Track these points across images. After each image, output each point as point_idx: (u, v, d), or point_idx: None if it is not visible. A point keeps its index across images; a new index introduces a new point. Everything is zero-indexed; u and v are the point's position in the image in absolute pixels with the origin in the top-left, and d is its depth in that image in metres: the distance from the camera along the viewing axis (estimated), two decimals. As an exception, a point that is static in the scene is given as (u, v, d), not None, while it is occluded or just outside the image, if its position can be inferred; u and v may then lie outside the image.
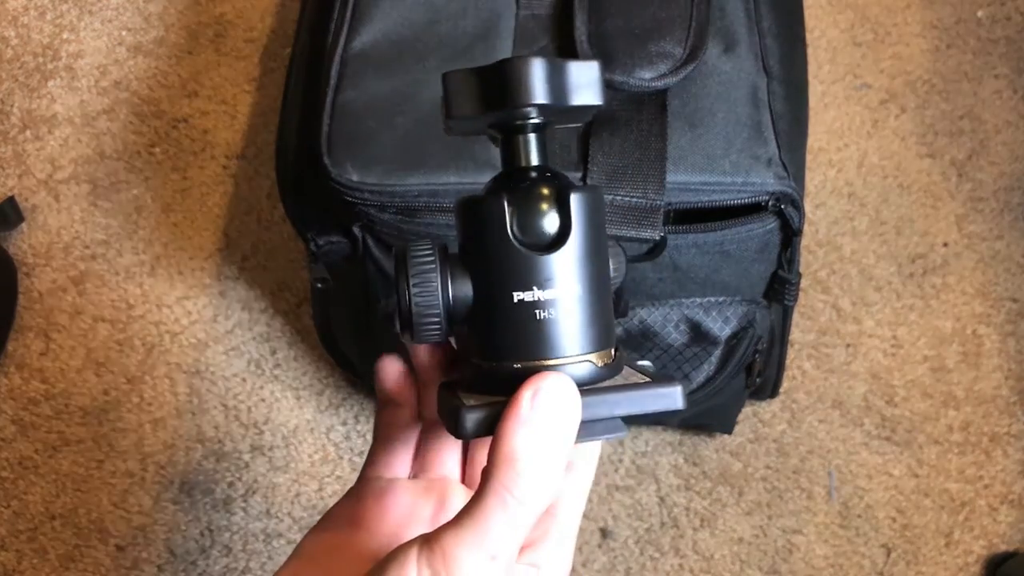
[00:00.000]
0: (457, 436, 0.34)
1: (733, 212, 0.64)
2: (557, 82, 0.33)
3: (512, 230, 0.34)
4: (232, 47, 1.01)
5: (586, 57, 0.65)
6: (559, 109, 0.34)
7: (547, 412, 0.32)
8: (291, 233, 0.92)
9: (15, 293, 0.89)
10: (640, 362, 0.38)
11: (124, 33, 1.01)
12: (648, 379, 0.35)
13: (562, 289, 0.34)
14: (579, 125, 0.64)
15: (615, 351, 0.36)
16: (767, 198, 0.64)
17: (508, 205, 0.34)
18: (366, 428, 0.86)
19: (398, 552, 0.33)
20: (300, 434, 0.86)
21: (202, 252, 0.92)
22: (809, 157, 0.90)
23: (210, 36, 1.02)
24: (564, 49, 0.67)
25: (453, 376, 0.39)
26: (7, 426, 0.85)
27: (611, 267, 0.37)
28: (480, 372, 0.35)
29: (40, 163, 0.95)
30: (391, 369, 0.42)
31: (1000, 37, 1.04)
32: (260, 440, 0.85)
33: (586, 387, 0.34)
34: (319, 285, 0.72)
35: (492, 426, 0.33)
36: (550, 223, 0.34)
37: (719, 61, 0.67)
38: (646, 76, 0.64)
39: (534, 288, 0.34)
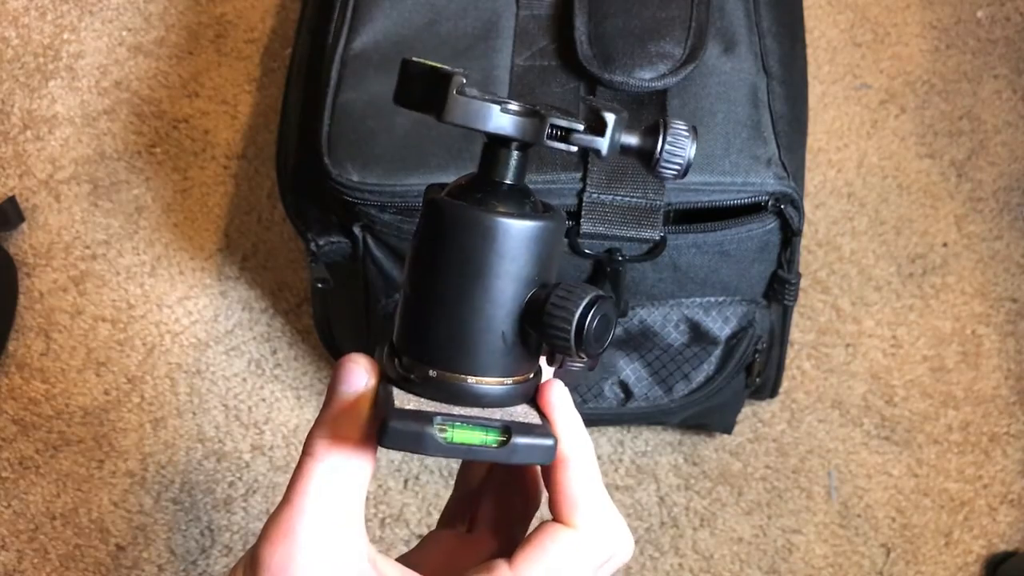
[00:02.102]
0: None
1: (733, 212, 0.64)
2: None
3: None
4: (233, 47, 1.01)
5: (586, 58, 0.65)
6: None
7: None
8: (291, 233, 0.92)
9: (15, 293, 0.89)
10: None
11: (125, 33, 1.02)
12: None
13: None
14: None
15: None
16: (767, 198, 0.64)
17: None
18: (366, 428, 0.86)
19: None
20: (300, 434, 0.86)
21: (203, 252, 0.92)
22: (809, 157, 0.90)
23: (211, 36, 1.02)
24: (564, 49, 0.67)
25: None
26: (8, 426, 0.85)
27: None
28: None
29: (41, 163, 0.95)
30: None
31: (1000, 37, 1.04)
32: (260, 440, 0.85)
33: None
34: (319, 285, 0.72)
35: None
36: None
37: (719, 61, 0.67)
38: (646, 76, 0.64)
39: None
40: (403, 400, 0.34)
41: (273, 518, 0.33)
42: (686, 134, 0.36)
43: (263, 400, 0.87)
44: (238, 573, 0.33)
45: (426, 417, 0.32)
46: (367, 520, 0.74)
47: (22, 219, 0.92)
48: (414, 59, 0.34)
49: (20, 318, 0.89)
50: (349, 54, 0.68)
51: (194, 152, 0.96)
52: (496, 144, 0.35)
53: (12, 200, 0.92)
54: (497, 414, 0.34)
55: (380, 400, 0.34)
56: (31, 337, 0.88)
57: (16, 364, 0.87)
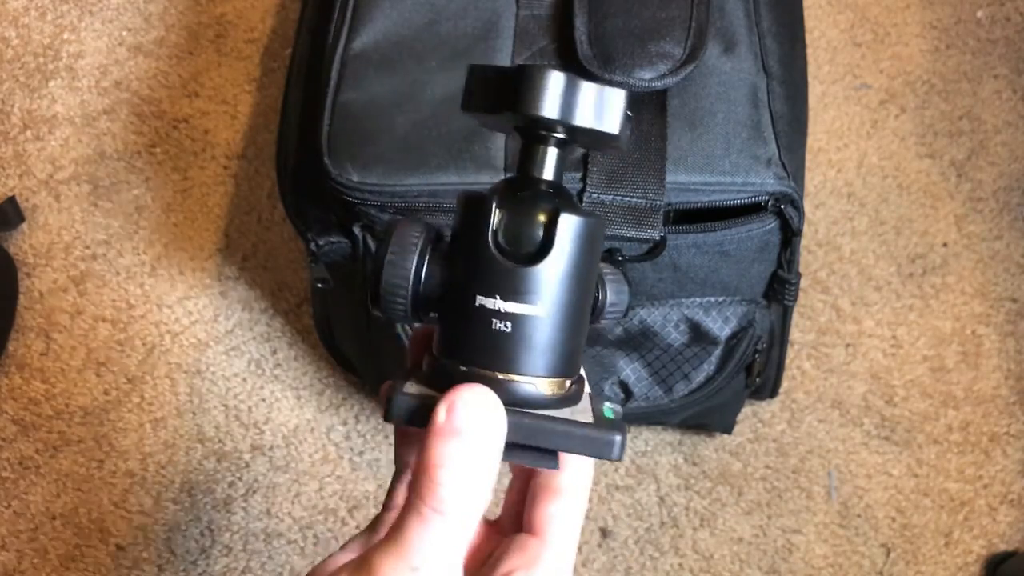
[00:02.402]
0: (384, 418, 0.34)
1: (733, 212, 0.64)
2: (571, 99, 0.33)
3: (494, 233, 0.33)
4: (233, 47, 1.01)
5: (586, 58, 0.65)
6: (573, 129, 0.34)
7: (463, 424, 0.32)
8: (291, 233, 0.92)
9: (15, 293, 0.89)
10: (608, 404, 0.37)
11: (125, 33, 1.02)
12: (591, 421, 0.34)
13: (526, 306, 0.33)
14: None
15: (571, 384, 0.35)
16: (767, 198, 0.64)
17: (497, 208, 0.33)
18: (366, 428, 0.86)
19: (336, 571, 0.33)
20: (300, 434, 0.86)
21: (202, 252, 0.92)
22: (809, 157, 0.90)
23: (211, 36, 1.02)
24: (564, 49, 0.67)
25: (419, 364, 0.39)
26: (8, 426, 0.85)
27: (608, 299, 0.37)
28: (434, 364, 0.35)
29: (41, 163, 0.95)
30: None
31: (1000, 37, 1.04)
32: (260, 440, 0.85)
33: (521, 410, 0.33)
34: (319, 285, 0.72)
35: (418, 418, 0.33)
36: (532, 237, 0.33)
37: (719, 61, 0.67)
38: (646, 76, 0.64)
39: (497, 296, 0.33)
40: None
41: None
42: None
43: (263, 400, 0.87)
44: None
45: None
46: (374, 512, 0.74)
47: (22, 219, 0.92)
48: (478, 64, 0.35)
49: (20, 318, 0.89)
50: (349, 54, 0.68)
51: (194, 152, 0.96)
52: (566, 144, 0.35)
53: (12, 200, 0.92)
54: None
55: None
56: (31, 337, 0.88)
57: (16, 364, 0.87)
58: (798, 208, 0.65)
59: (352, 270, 0.70)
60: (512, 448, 0.33)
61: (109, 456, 0.84)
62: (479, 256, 0.33)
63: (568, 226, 0.33)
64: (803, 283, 0.91)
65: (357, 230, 0.66)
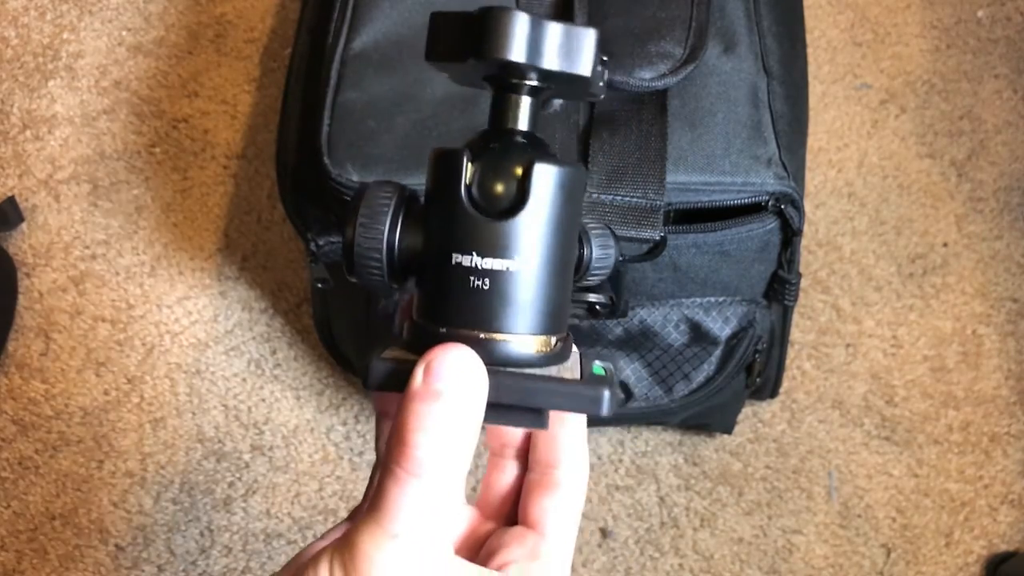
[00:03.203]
0: (364, 386, 0.33)
1: (733, 212, 0.64)
2: (538, 41, 0.31)
3: (467, 188, 0.32)
4: (232, 47, 1.01)
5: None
6: (544, 73, 0.32)
7: (441, 386, 0.31)
8: (291, 233, 0.92)
9: (15, 293, 0.89)
10: (599, 361, 0.36)
11: (124, 33, 1.01)
12: (579, 379, 0.33)
13: (504, 261, 0.32)
14: (577, 118, 0.64)
15: (557, 341, 0.34)
16: (767, 198, 0.64)
17: (469, 161, 0.32)
18: (366, 428, 0.86)
19: (318, 552, 0.32)
20: (300, 434, 0.86)
21: (202, 252, 0.92)
22: (809, 157, 0.90)
23: (210, 36, 1.02)
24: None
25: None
26: (7, 426, 0.85)
27: (594, 255, 0.36)
28: (414, 329, 0.34)
29: (40, 163, 0.95)
30: None
31: (1000, 37, 1.04)
32: (260, 440, 0.85)
33: (504, 369, 0.32)
34: (319, 285, 0.72)
35: (397, 382, 0.32)
36: (507, 189, 0.32)
37: (719, 61, 0.67)
38: (646, 76, 0.64)
39: (473, 253, 0.32)
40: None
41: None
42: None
43: (263, 400, 0.87)
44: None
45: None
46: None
47: (22, 219, 0.92)
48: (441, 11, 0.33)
49: (20, 318, 0.89)
50: (349, 54, 0.68)
51: (194, 152, 0.96)
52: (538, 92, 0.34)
53: (12, 200, 0.92)
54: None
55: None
56: (31, 337, 0.88)
57: (16, 364, 0.87)
58: (798, 208, 0.65)
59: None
60: (496, 409, 0.32)
61: (109, 456, 0.84)
62: (453, 212, 0.32)
63: (544, 176, 0.32)
64: (803, 283, 0.91)
65: (357, 230, 0.66)
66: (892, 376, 0.89)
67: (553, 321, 0.33)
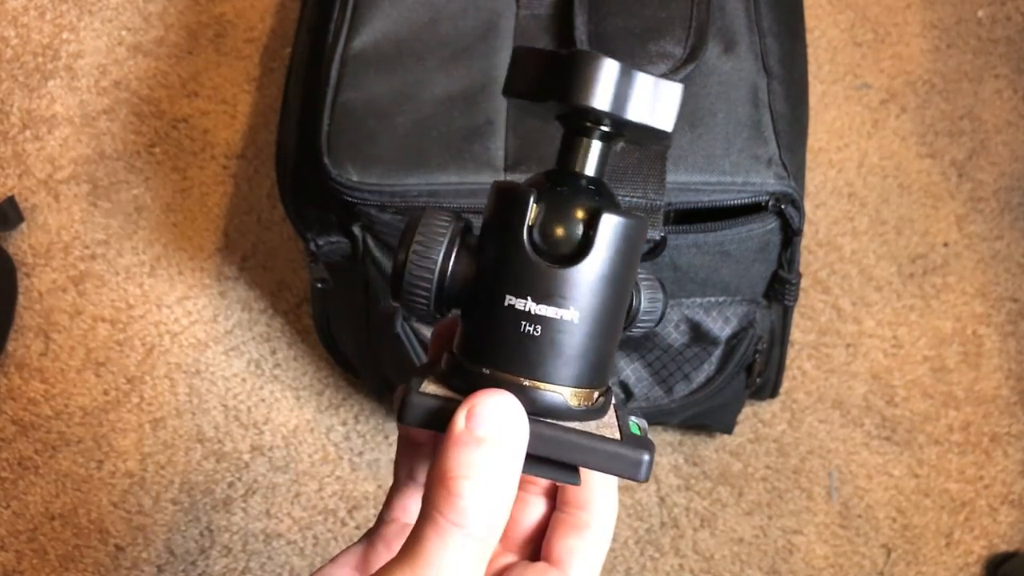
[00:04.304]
0: (399, 420, 0.31)
1: (733, 212, 0.64)
2: (625, 91, 0.30)
3: (530, 230, 0.31)
4: (232, 47, 1.01)
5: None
6: (624, 123, 0.31)
7: (484, 432, 0.30)
8: (291, 233, 0.92)
9: (15, 293, 0.89)
10: (633, 418, 0.35)
11: (124, 33, 1.01)
12: (618, 437, 0.32)
13: (559, 310, 0.31)
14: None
15: (599, 396, 0.33)
16: (767, 198, 0.64)
17: (535, 202, 0.31)
18: (366, 428, 0.86)
19: None
20: (300, 434, 0.85)
21: (202, 252, 0.92)
22: (809, 157, 0.90)
23: (210, 36, 1.02)
24: (564, 49, 0.67)
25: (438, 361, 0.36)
26: (7, 426, 0.85)
27: (643, 306, 0.35)
28: (454, 364, 0.33)
29: (40, 163, 0.95)
30: None
31: (1000, 37, 1.04)
32: (260, 440, 0.85)
33: (545, 420, 0.31)
34: (319, 285, 0.72)
35: (437, 421, 0.31)
36: (571, 236, 0.31)
37: (719, 61, 0.67)
38: (646, 76, 0.64)
39: (528, 298, 0.31)
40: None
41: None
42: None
43: (263, 400, 0.87)
44: None
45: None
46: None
47: (21, 219, 0.92)
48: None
49: (19, 318, 0.89)
50: (349, 54, 0.68)
51: (193, 152, 0.96)
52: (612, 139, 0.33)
53: (11, 200, 0.92)
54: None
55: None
56: (30, 337, 0.88)
57: (15, 364, 0.87)
58: (798, 208, 0.65)
59: (352, 270, 0.70)
60: (532, 460, 0.31)
61: (108, 456, 0.84)
62: (512, 253, 0.31)
63: (609, 227, 0.31)
64: (803, 283, 0.91)
65: (357, 230, 0.66)
66: (892, 376, 0.89)
67: (599, 375, 0.33)
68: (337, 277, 0.72)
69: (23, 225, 0.93)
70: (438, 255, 0.32)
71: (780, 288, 0.70)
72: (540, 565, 0.35)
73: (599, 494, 0.36)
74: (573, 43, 0.66)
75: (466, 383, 0.31)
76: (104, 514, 0.83)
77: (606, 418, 0.34)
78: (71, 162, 0.95)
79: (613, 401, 0.35)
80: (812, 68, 0.94)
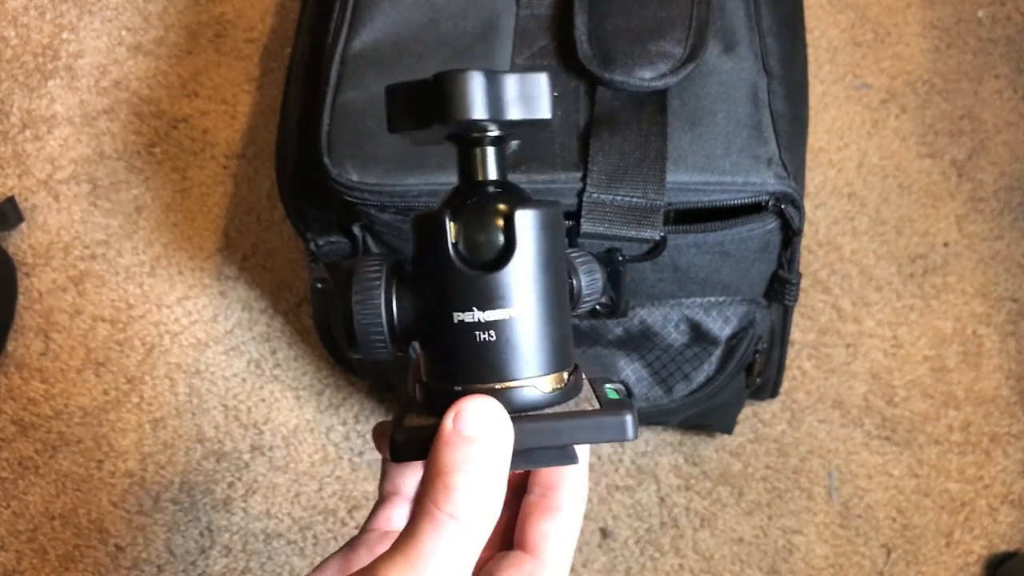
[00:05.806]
0: (392, 459, 0.33)
1: (733, 212, 0.64)
2: (497, 95, 0.32)
3: (454, 247, 0.32)
4: (232, 47, 1.01)
5: (586, 58, 0.65)
6: (506, 123, 0.33)
7: (472, 430, 0.31)
8: (291, 233, 0.92)
9: (15, 293, 0.89)
10: (608, 384, 0.36)
11: (124, 33, 1.01)
12: (597, 407, 0.34)
13: (505, 310, 0.32)
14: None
15: (569, 375, 0.34)
16: (767, 198, 0.63)
17: (450, 221, 0.33)
18: (366, 428, 0.86)
19: None
20: (300, 434, 0.85)
21: (202, 252, 0.92)
22: (809, 157, 0.90)
23: (210, 36, 1.02)
24: (564, 49, 0.67)
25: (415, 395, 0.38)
26: (7, 426, 0.85)
27: (583, 284, 0.36)
28: (427, 392, 0.34)
29: (40, 163, 0.95)
30: None
31: (1000, 37, 1.04)
32: (260, 440, 0.85)
33: (527, 413, 0.33)
34: (319, 285, 0.72)
35: (422, 450, 0.32)
36: (493, 241, 0.33)
37: (719, 61, 0.67)
38: (646, 76, 0.64)
39: (474, 309, 0.32)
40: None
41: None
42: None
43: (263, 400, 0.87)
44: None
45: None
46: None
47: (21, 219, 0.92)
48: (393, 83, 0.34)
49: (19, 318, 0.89)
50: (349, 54, 0.67)
51: (193, 152, 0.96)
52: (501, 141, 0.35)
53: (11, 200, 0.92)
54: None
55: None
56: (30, 337, 0.88)
57: (15, 364, 0.87)
58: (799, 208, 0.65)
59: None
60: (524, 454, 0.33)
61: (108, 456, 0.84)
62: (445, 273, 0.33)
63: (526, 221, 0.33)
64: (804, 283, 0.91)
65: (357, 230, 0.66)
66: (892, 376, 0.89)
67: (561, 357, 0.34)
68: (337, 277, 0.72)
69: (23, 225, 0.93)
70: (379, 299, 0.33)
71: (780, 288, 0.70)
72: (514, 555, 0.36)
73: (570, 473, 0.37)
74: (573, 43, 0.66)
75: (443, 405, 0.32)
76: (104, 514, 0.83)
77: (583, 393, 0.35)
78: (71, 162, 0.95)
79: (584, 376, 0.36)
80: (812, 68, 0.94)
